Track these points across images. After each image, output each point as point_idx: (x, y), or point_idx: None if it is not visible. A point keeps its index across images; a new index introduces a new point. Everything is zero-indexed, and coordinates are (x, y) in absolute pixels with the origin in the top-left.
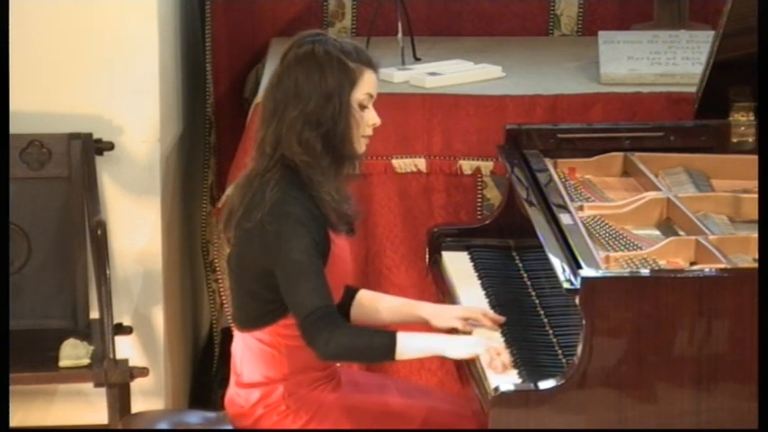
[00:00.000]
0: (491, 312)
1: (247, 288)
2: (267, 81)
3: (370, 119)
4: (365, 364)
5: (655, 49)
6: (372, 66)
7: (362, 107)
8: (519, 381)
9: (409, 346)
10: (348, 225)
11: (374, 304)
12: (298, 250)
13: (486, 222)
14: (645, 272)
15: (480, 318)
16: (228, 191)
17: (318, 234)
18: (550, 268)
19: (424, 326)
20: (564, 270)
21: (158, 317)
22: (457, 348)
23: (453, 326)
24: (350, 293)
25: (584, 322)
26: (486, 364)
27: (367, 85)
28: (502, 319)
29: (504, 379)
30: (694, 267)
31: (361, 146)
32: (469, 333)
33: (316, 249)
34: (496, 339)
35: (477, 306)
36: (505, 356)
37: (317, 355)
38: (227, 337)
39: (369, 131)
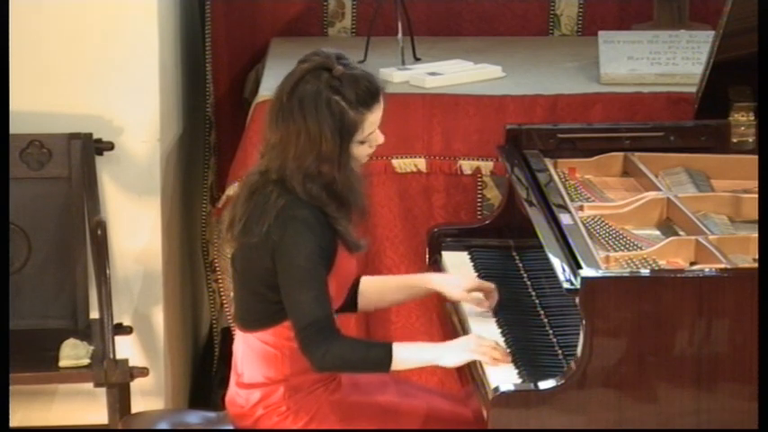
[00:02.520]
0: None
1: (253, 289)
2: (276, 96)
3: (374, 140)
4: (360, 374)
5: (655, 49)
6: (379, 99)
7: (363, 142)
8: (519, 381)
9: (404, 358)
10: (360, 244)
11: (380, 287)
12: (302, 256)
13: (486, 222)
14: (645, 272)
15: (487, 288)
16: (229, 191)
17: (324, 239)
18: (550, 268)
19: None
20: (564, 270)
21: (158, 317)
22: (452, 356)
23: (461, 299)
24: (353, 284)
25: (584, 322)
26: (488, 362)
27: (370, 126)
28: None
29: (504, 379)
30: (694, 267)
31: (361, 161)
32: (475, 304)
33: (321, 256)
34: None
35: (485, 282)
36: (499, 348)
37: (313, 365)
38: (227, 337)
39: (372, 150)
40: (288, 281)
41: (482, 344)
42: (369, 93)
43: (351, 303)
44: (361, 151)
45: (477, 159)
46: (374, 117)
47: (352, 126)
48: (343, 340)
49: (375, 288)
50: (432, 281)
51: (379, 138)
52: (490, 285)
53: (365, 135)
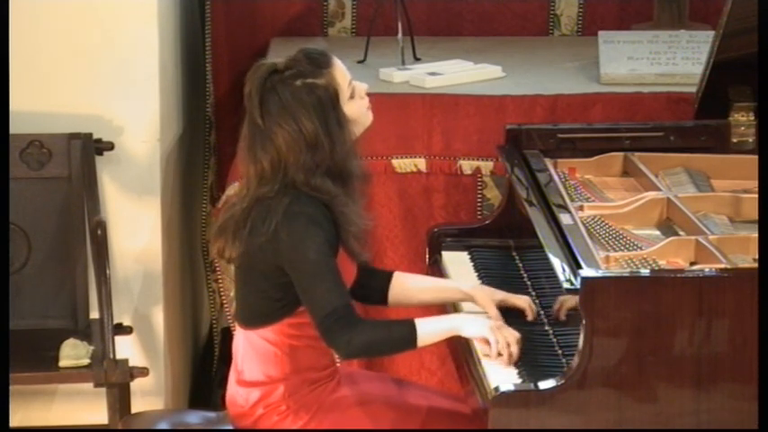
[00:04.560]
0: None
1: (256, 286)
2: (249, 124)
3: (359, 90)
4: (388, 356)
5: (655, 49)
6: (328, 55)
7: (351, 97)
8: (519, 381)
9: (428, 330)
10: (363, 253)
11: (416, 284)
12: (313, 250)
13: (486, 222)
14: (645, 272)
15: (519, 304)
16: (229, 191)
17: (330, 232)
18: (550, 268)
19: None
20: (564, 270)
21: (158, 317)
22: (473, 328)
23: (489, 309)
24: (385, 276)
25: (584, 322)
26: (486, 351)
27: (343, 79)
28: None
29: (504, 378)
30: (694, 267)
31: (367, 118)
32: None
33: (329, 247)
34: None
35: (520, 296)
36: (514, 349)
37: (340, 355)
38: (227, 337)
39: (366, 102)
40: (302, 277)
41: (502, 330)
42: (318, 54)
43: (381, 297)
44: (356, 108)
45: (477, 159)
46: (340, 70)
47: (331, 90)
48: (365, 324)
49: (408, 284)
50: (463, 286)
51: (363, 85)
52: (521, 302)
53: (347, 89)
